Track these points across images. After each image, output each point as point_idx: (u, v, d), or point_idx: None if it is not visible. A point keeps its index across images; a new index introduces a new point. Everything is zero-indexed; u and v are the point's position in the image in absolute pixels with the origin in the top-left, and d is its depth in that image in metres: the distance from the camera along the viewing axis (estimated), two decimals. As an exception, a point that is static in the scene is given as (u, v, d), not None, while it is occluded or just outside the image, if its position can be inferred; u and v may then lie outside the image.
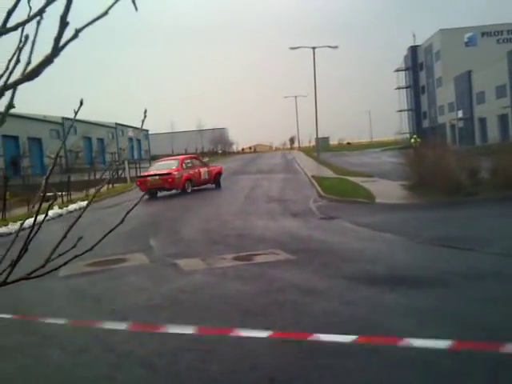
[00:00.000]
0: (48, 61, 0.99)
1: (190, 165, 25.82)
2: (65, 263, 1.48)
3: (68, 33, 0.98)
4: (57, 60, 1.04)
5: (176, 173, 24.57)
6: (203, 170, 26.69)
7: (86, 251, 1.49)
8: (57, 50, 0.98)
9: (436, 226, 12.71)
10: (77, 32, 1.00)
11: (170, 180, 24.37)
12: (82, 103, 1.45)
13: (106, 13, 1.02)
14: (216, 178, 27.46)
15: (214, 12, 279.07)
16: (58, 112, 61.09)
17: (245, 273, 9.18)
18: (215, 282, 8.70)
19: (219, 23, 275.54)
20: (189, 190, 25.09)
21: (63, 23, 0.96)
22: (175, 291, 8.27)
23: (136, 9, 1.03)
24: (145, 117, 1.60)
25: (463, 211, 14.69)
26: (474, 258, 9.36)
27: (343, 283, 8.14)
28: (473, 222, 13.13)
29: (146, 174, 26.18)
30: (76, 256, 1.46)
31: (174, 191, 25.30)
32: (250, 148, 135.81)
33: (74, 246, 1.47)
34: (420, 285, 7.74)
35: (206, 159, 76.24)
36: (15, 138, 50.03)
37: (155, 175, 24.77)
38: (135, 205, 1.58)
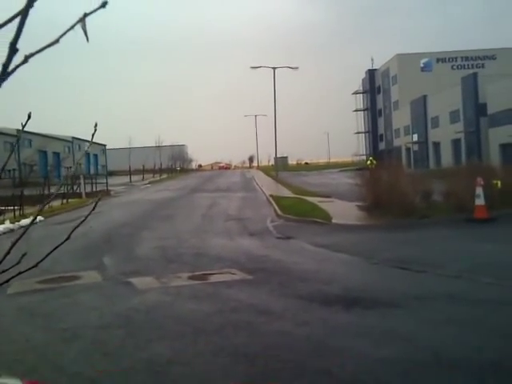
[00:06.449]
0: None
1: (227, 164, 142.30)
2: (6, 281, 1.41)
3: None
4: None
5: (228, 165, 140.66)
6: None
7: (31, 268, 1.43)
8: (5, 75, 0.98)
9: (391, 248, 12.89)
10: (26, 58, 1.00)
11: (228, 167, 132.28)
12: (29, 117, 1.40)
13: (57, 41, 1.02)
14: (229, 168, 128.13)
15: (175, 27, 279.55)
16: (13, 124, 59.54)
17: (200, 292, 9.08)
18: (169, 302, 8.57)
19: (180, 39, 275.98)
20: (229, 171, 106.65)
21: (12, 50, 0.96)
22: (128, 310, 8.10)
23: (87, 40, 1.04)
24: (95, 130, 1.57)
25: (417, 233, 14.96)
26: (427, 280, 9.53)
27: (299, 303, 8.13)
28: (426, 243, 13.37)
29: (221, 166, 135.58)
30: (20, 273, 1.40)
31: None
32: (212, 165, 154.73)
33: (18, 263, 1.41)
34: (374, 306, 7.80)
35: (164, 176, 75.58)
36: (-34, 150, 48.65)
37: (224, 166, 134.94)
38: (81, 222, 1.54)
